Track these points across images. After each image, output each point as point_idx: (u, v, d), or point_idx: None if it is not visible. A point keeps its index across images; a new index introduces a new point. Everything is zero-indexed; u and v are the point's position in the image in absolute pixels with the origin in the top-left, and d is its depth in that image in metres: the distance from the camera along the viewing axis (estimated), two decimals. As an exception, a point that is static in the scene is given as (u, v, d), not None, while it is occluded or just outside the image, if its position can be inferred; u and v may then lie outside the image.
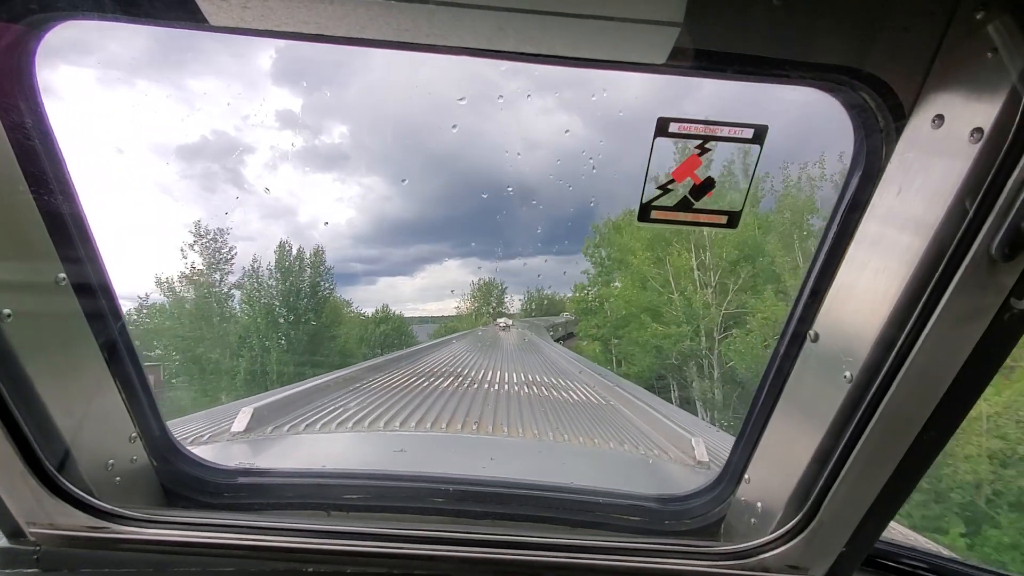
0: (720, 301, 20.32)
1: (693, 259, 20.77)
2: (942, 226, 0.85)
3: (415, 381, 5.37)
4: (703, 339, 20.34)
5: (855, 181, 1.02)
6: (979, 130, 0.79)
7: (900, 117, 0.92)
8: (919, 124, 0.90)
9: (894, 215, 0.95)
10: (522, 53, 0.84)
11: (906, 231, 0.92)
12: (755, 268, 19.88)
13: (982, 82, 0.79)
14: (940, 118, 0.86)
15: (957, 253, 0.84)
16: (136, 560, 1.24)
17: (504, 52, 0.85)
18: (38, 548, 1.22)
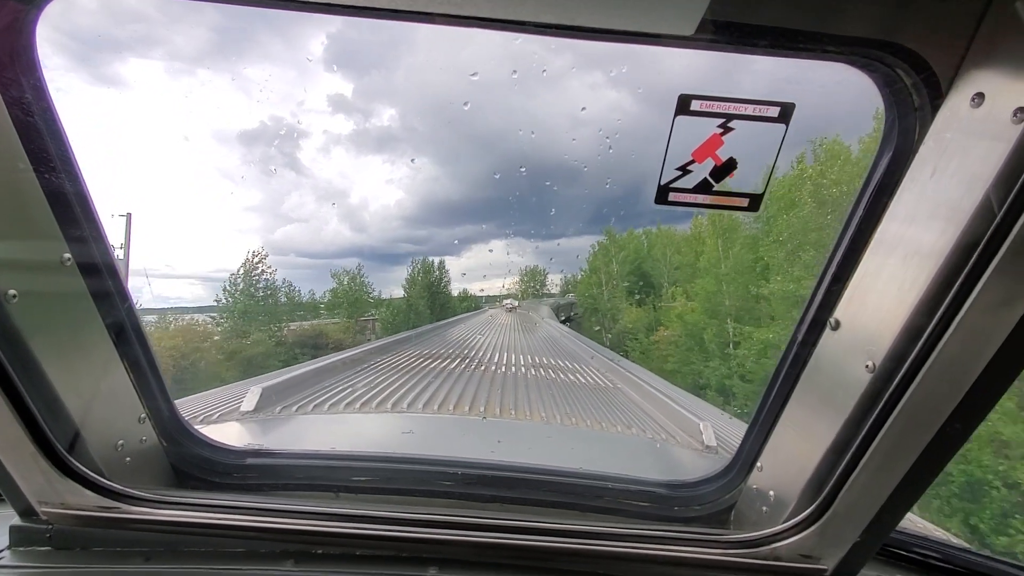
0: (607, 292, 42.06)
1: (601, 277, 42.54)
2: (978, 211, 0.81)
3: (420, 362, 5.38)
4: (602, 304, 41.70)
5: (884, 162, 0.97)
6: (1023, 109, 0.74)
7: (937, 95, 0.87)
8: (957, 102, 0.85)
9: (926, 198, 0.91)
10: (541, 24, 0.80)
11: (939, 215, 0.87)
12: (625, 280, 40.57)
13: None
14: (980, 96, 0.81)
15: (994, 240, 0.79)
16: (147, 539, 1.25)
17: (521, 23, 0.80)
18: (50, 527, 1.22)
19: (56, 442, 1.15)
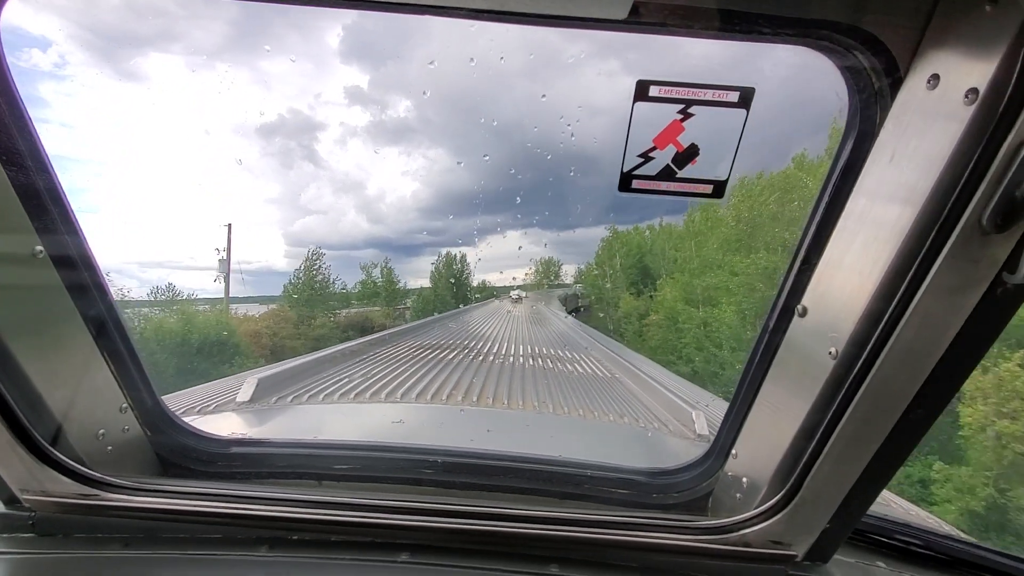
0: (609, 283, 44.11)
1: (605, 270, 44.60)
2: (932, 194, 0.80)
3: (420, 353, 5.41)
4: (606, 294, 43.95)
5: (848, 147, 0.96)
6: (974, 90, 0.73)
7: (895, 78, 0.86)
8: (914, 85, 0.83)
9: (886, 182, 0.90)
10: (469, 9, 0.79)
11: (897, 200, 0.86)
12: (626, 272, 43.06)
13: (979, 38, 0.73)
14: (935, 78, 0.79)
15: (947, 223, 0.79)
16: (127, 526, 1.28)
17: (450, 8, 0.79)
18: (33, 514, 1.25)
19: (35, 431, 1.17)
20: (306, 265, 41.68)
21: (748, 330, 22.09)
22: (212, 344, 24.19)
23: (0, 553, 1.22)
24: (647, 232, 45.24)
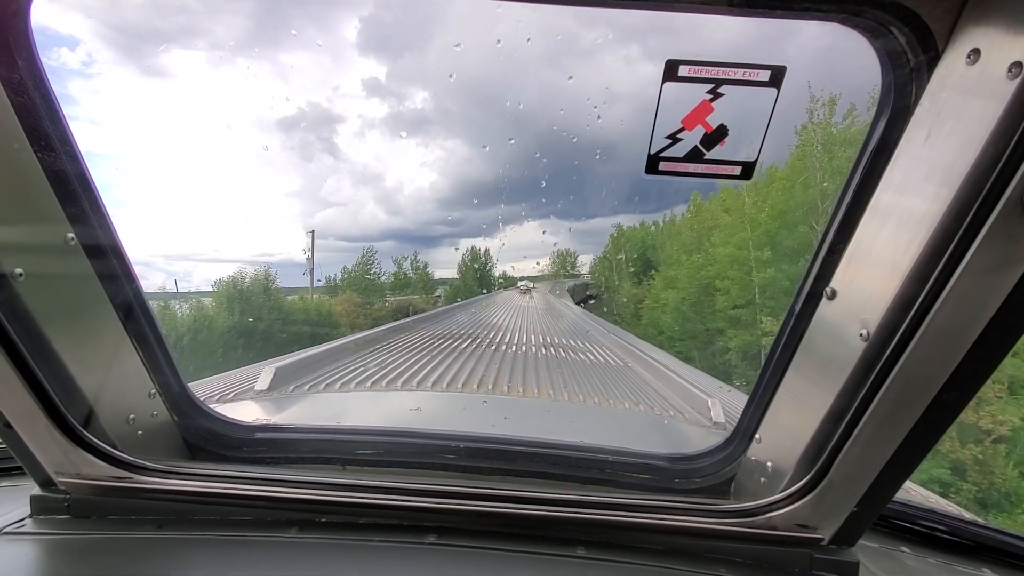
0: (618, 273, 48.49)
1: (612, 263, 49.53)
2: (972, 172, 0.78)
3: (433, 342, 5.44)
4: (612, 283, 48.26)
5: (881, 126, 0.94)
6: (1018, 64, 0.71)
7: (932, 53, 0.84)
8: (953, 60, 0.81)
9: (921, 161, 0.88)
10: None
11: (933, 179, 0.85)
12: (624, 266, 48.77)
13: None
14: (976, 52, 0.78)
15: (986, 202, 0.77)
16: (159, 508, 1.30)
17: None
18: (68, 496, 1.28)
19: (69, 415, 1.20)
20: (362, 260, 53.02)
21: (684, 305, 31.47)
22: (324, 319, 35.96)
23: (37, 534, 1.25)
24: (652, 227, 49.87)
